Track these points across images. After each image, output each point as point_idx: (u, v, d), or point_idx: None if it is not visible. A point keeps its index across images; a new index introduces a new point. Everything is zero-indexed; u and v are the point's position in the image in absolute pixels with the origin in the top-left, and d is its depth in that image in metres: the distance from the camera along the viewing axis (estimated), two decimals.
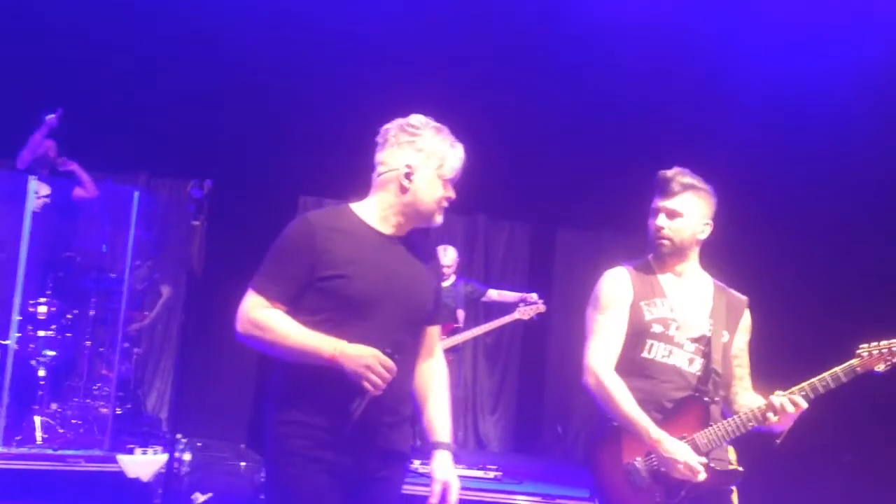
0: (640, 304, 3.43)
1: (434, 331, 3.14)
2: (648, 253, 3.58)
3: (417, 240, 3.10)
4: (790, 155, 8.08)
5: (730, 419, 3.36)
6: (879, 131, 7.52)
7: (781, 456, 3.45)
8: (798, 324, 7.68)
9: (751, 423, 3.33)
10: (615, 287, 3.47)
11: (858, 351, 3.37)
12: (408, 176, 2.95)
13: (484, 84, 8.31)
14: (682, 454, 3.22)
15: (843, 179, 7.85)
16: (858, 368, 3.33)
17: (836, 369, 3.33)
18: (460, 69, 8.06)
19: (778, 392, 3.33)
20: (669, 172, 3.46)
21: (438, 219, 3.01)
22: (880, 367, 3.34)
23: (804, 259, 8.21)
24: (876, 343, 3.36)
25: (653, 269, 3.52)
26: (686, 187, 3.43)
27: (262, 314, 2.85)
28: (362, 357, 2.72)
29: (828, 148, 7.81)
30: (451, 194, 3.00)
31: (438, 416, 3.06)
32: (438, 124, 3.03)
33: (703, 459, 3.26)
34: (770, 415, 3.30)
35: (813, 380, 3.32)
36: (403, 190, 2.95)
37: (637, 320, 3.41)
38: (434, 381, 3.11)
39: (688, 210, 3.43)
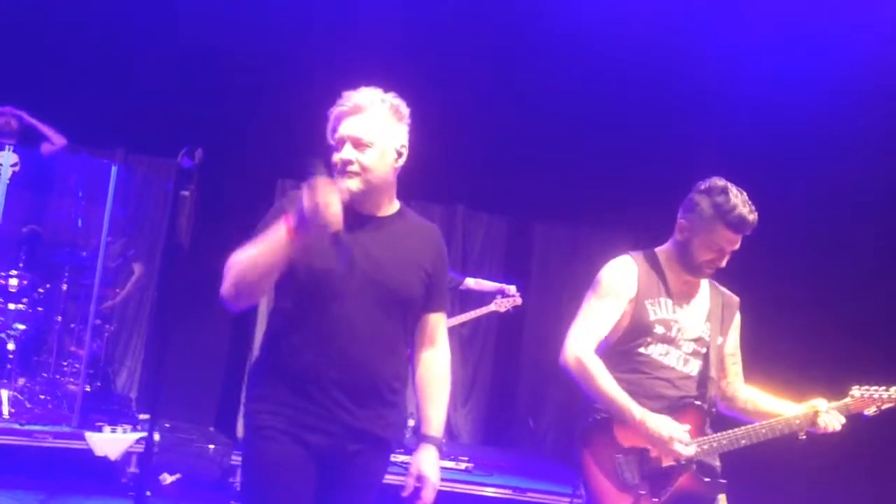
0: (644, 302, 3.39)
1: (434, 318, 3.07)
2: (630, 244, 3.57)
3: (413, 222, 3.05)
4: (775, 159, 8.05)
5: (749, 427, 3.36)
6: (868, 137, 7.51)
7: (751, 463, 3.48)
8: (781, 332, 7.68)
9: (787, 430, 3.35)
10: (620, 278, 3.41)
11: (851, 392, 3.41)
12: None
13: (466, 75, 8.26)
14: (668, 428, 3.21)
15: (830, 184, 7.84)
16: (851, 408, 3.39)
17: (830, 405, 3.38)
18: (443, 59, 8.01)
19: (830, 407, 3.36)
20: (755, 215, 3.35)
21: (340, 183, 2.84)
22: (870, 411, 3.40)
23: (788, 266, 8.20)
24: (867, 387, 3.40)
25: (661, 267, 3.48)
26: None
27: (229, 261, 2.79)
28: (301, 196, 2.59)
29: (815, 153, 7.79)
30: (341, 155, 2.88)
31: (431, 409, 3.03)
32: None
33: (686, 427, 3.25)
34: (819, 421, 3.34)
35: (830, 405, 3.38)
36: None
37: (640, 318, 3.38)
38: (432, 373, 3.06)
39: None
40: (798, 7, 7.31)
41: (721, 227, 3.30)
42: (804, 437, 3.39)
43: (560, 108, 8.55)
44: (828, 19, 7.27)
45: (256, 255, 2.71)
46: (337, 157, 2.89)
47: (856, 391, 3.41)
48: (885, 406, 3.39)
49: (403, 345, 3.00)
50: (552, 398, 9.69)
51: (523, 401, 10.06)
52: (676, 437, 3.20)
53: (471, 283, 7.45)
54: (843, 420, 3.35)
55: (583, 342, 3.34)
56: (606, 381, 3.27)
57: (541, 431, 9.90)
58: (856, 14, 7.10)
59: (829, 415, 3.34)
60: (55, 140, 7.72)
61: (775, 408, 3.45)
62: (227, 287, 2.76)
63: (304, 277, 2.81)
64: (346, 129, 2.90)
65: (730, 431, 3.35)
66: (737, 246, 3.37)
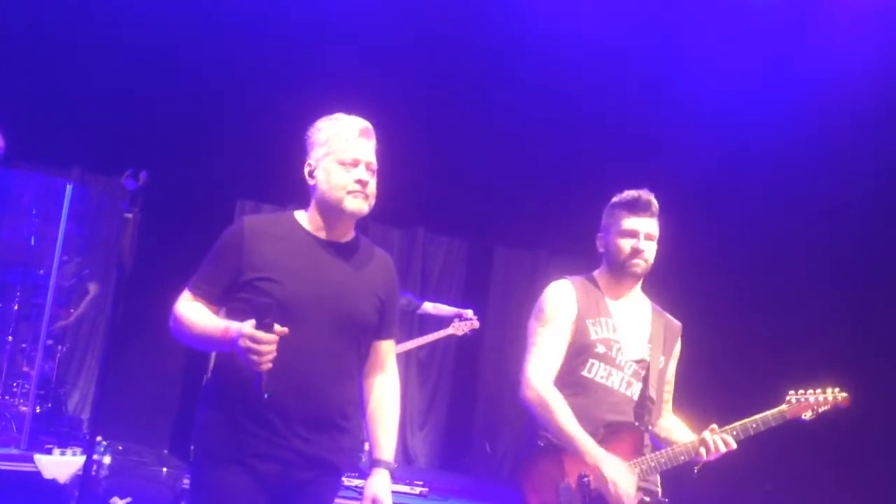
0: (585, 321, 3.43)
1: (385, 346, 3.09)
2: (591, 270, 3.60)
3: (368, 250, 3.05)
4: (732, 186, 8.23)
5: (663, 451, 3.39)
6: (827, 169, 7.72)
7: (704, 484, 3.51)
8: (727, 353, 7.82)
9: (682, 458, 3.37)
10: (560, 301, 3.45)
11: (787, 397, 3.46)
12: (310, 174, 2.95)
13: (427, 99, 8.31)
14: (622, 477, 3.21)
15: (788, 212, 8.03)
16: (787, 415, 3.43)
17: (767, 413, 3.42)
18: (404, 82, 8.05)
19: (713, 427, 3.37)
20: (647, 194, 3.46)
21: (349, 204, 2.88)
22: (807, 415, 3.45)
23: (741, 290, 8.36)
24: (803, 391, 3.45)
25: (598, 287, 3.53)
26: (657, 210, 3.48)
27: (181, 307, 2.87)
28: (238, 337, 2.63)
29: (772, 181, 7.98)
30: (359, 175, 2.89)
31: (382, 434, 3.03)
32: (340, 114, 3.00)
33: (633, 480, 3.27)
34: (702, 450, 3.34)
35: (744, 421, 3.39)
36: (312, 189, 2.96)
37: (581, 338, 3.41)
38: (382, 398, 3.07)
39: (657, 233, 3.49)
40: (759, 42, 7.51)
41: (621, 212, 3.46)
42: (698, 471, 3.42)
43: (521, 132, 8.62)
44: (787, 53, 7.47)
45: (198, 336, 2.81)
46: (353, 177, 2.88)
47: (791, 397, 3.46)
48: (821, 409, 3.45)
49: (356, 370, 3.01)
50: (509, 422, 9.70)
51: (480, 425, 10.06)
52: (627, 488, 3.21)
53: (429, 307, 7.45)
54: (731, 441, 3.34)
55: (542, 376, 3.36)
56: (566, 418, 3.28)
57: (497, 456, 9.89)
58: (813, 49, 7.31)
59: (712, 435, 3.36)
60: None
61: (684, 439, 3.48)
62: (171, 327, 2.89)
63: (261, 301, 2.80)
64: (364, 151, 2.92)
65: (662, 451, 3.40)
66: (650, 229, 3.44)
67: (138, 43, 7.95)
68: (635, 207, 3.45)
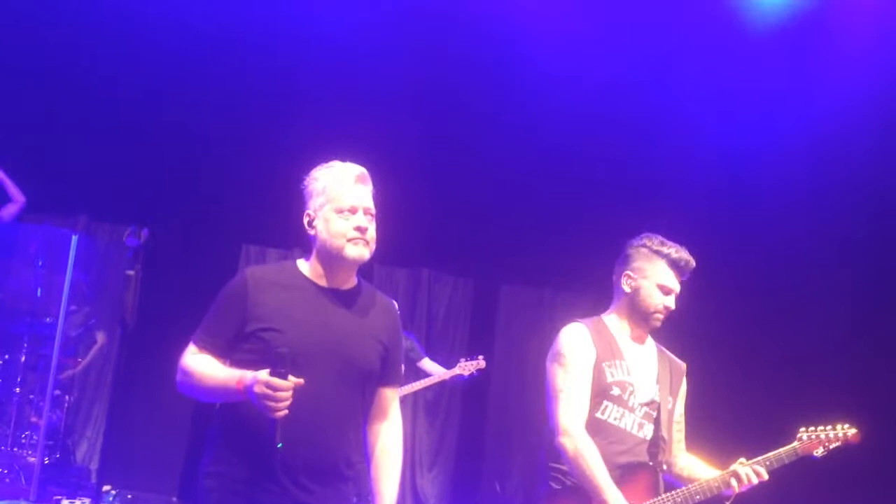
0: (602, 364, 3.42)
1: (389, 393, 3.08)
2: (597, 307, 3.61)
3: (371, 296, 3.05)
4: (732, 222, 8.23)
5: (686, 488, 3.39)
6: (826, 203, 7.73)
7: None
8: (736, 388, 7.77)
9: (712, 492, 3.37)
10: (580, 345, 3.44)
11: (798, 434, 3.47)
12: (310, 224, 2.96)
13: (429, 139, 8.36)
14: None
15: (791, 242, 8.03)
16: (799, 451, 3.45)
17: (780, 451, 3.44)
18: (406, 123, 8.10)
19: (742, 461, 3.38)
20: (690, 257, 3.48)
21: (350, 251, 2.89)
22: (818, 452, 3.46)
23: (747, 323, 8.33)
24: (814, 427, 3.46)
25: (608, 330, 3.53)
26: None
27: (187, 360, 2.87)
28: (254, 384, 2.63)
29: (774, 215, 7.99)
30: (358, 222, 2.90)
31: (385, 484, 3.02)
32: (335, 161, 3.02)
33: None
34: (733, 482, 3.35)
35: (758, 459, 3.41)
36: (312, 239, 2.97)
37: (599, 381, 3.41)
38: (386, 447, 3.05)
39: None
40: (757, 75, 7.58)
41: (668, 267, 3.45)
42: (737, 488, 3.42)
43: (524, 171, 8.65)
44: (781, 91, 7.55)
45: (209, 387, 2.82)
46: (352, 224, 2.89)
47: (803, 434, 3.47)
48: (832, 445, 3.47)
49: (360, 417, 3.01)
50: (519, 461, 9.63)
51: (490, 465, 9.98)
52: None
53: (427, 364, 7.42)
54: (763, 472, 3.37)
55: (577, 423, 3.35)
56: (599, 471, 3.27)
57: (507, 495, 9.81)
58: (811, 81, 7.38)
59: (744, 467, 3.38)
60: (17, 198, 7.64)
61: (708, 475, 3.48)
62: (177, 380, 2.90)
63: (268, 350, 2.79)
64: (361, 197, 2.93)
65: (685, 488, 3.40)
66: (678, 288, 3.48)
67: (141, 91, 8.03)
68: (682, 270, 3.47)
